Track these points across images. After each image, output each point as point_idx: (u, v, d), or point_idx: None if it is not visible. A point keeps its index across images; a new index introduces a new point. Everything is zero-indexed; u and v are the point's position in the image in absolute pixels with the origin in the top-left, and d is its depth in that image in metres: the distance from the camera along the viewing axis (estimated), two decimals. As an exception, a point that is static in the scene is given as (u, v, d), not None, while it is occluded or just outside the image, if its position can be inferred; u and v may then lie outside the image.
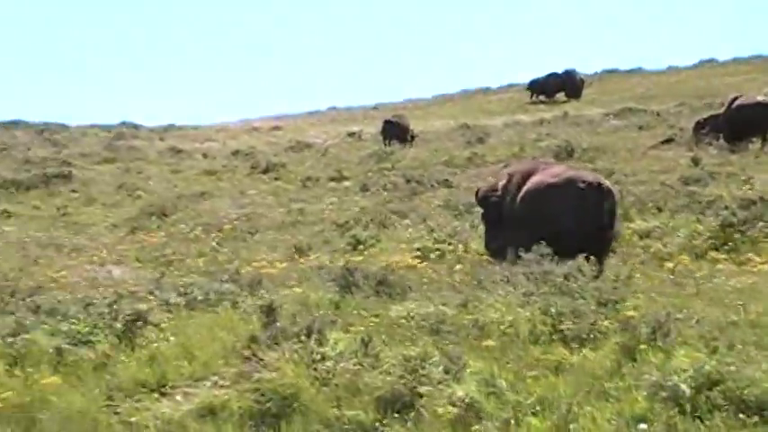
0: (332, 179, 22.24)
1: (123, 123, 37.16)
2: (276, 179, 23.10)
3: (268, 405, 6.34)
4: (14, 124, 36.68)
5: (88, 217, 19.52)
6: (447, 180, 20.24)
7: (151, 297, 8.89)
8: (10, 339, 7.58)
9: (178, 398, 6.74)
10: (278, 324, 7.23)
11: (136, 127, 36.62)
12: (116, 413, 6.60)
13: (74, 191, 22.57)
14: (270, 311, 7.47)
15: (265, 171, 24.37)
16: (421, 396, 6.18)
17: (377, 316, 7.84)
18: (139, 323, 7.86)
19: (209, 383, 6.88)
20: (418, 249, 11.93)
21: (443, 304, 7.85)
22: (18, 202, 21.76)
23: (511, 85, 48.10)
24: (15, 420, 6.50)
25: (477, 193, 11.82)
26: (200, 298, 8.82)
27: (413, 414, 6.06)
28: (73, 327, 7.82)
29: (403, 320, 7.60)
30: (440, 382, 6.25)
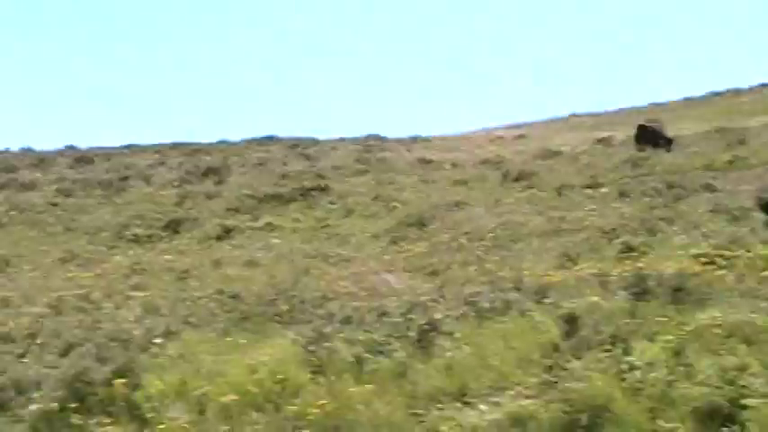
0: (587, 186, 21.79)
1: (370, 136, 37.87)
2: (529, 187, 22.84)
3: (578, 416, 6.18)
4: (268, 140, 38.11)
5: (348, 228, 19.87)
6: (710, 184, 19.45)
7: (438, 306, 8.92)
8: (311, 347, 7.76)
9: (482, 407, 6.69)
10: (581, 333, 7.06)
11: (382, 139, 37.24)
12: (421, 422, 6.62)
13: (331, 203, 23.07)
14: (571, 320, 7.31)
15: (517, 179, 24.17)
16: (743, 408, 5.86)
17: (682, 324, 7.54)
18: (433, 332, 7.88)
19: (512, 393, 6.80)
20: (698, 256, 11.45)
21: (752, 312, 7.46)
22: (279, 214, 22.45)
23: (763, 85, 46.00)
24: (327, 428, 6.63)
25: (758, 198, 11.30)
26: (486, 307, 8.76)
27: (736, 427, 5.76)
28: (368, 335, 7.93)
29: (712, 329, 7.27)
30: (764, 395, 5.91)
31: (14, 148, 38.88)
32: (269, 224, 20.94)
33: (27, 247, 20.27)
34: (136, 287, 13.38)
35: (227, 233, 20.12)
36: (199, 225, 21.55)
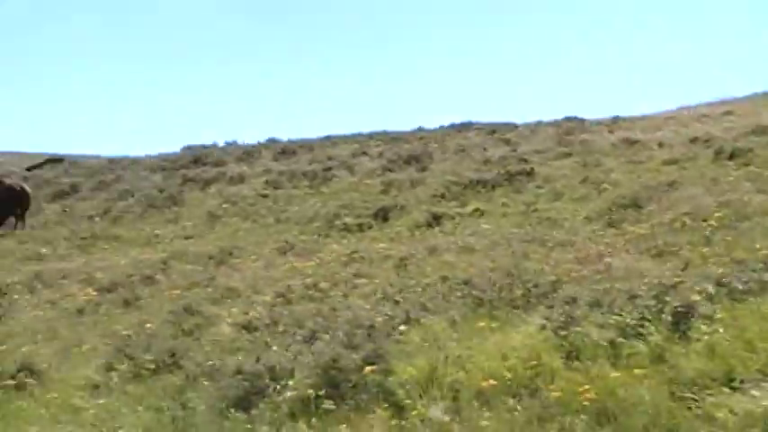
0: (812, 160, 20.76)
1: (568, 118, 37.24)
2: (745, 165, 21.85)
3: None
4: (466, 126, 38.05)
5: (558, 212, 19.54)
6: None
7: (689, 288, 8.55)
8: (562, 332, 7.58)
9: (754, 392, 6.35)
10: None
11: (581, 121, 36.54)
12: (689, 408, 6.35)
13: (538, 187, 22.78)
14: None
15: (731, 157, 23.20)
16: None
17: None
18: (689, 315, 7.56)
19: (786, 377, 6.44)
20: None
21: None
22: (486, 200, 22.32)
23: None
24: (590, 414, 6.44)
25: None
26: (740, 288, 8.36)
27: None
28: (619, 319, 7.69)
29: None
30: None
31: (220, 142, 40.27)
32: (476, 210, 20.85)
33: (243, 238, 20.91)
34: (357, 275, 13.49)
35: (435, 220, 20.15)
36: (407, 212, 21.70)
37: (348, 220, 21.44)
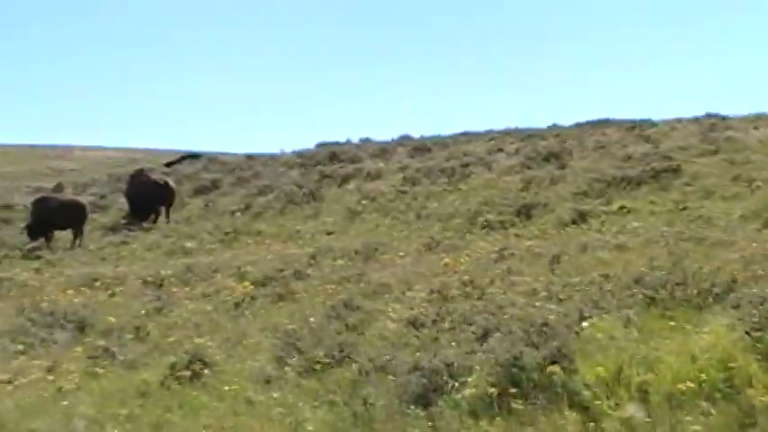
0: None
1: (709, 115, 36.12)
2: None
3: None
4: (603, 123, 37.31)
5: (710, 210, 18.98)
6: None
7: None
8: (756, 334, 7.23)
9: None
10: None
11: (723, 118, 35.41)
12: None
13: (686, 184, 22.16)
14: None
15: None
16: None
17: None
18: None
19: None
20: None
21: None
22: (631, 198, 21.83)
23: None
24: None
25: None
26: None
27: None
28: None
29: None
30: None
31: (354, 139, 40.55)
32: (622, 207, 20.44)
33: (385, 234, 20.90)
34: (510, 272, 13.25)
35: (581, 217, 19.80)
36: (549, 210, 21.39)
37: (490, 216, 21.25)
